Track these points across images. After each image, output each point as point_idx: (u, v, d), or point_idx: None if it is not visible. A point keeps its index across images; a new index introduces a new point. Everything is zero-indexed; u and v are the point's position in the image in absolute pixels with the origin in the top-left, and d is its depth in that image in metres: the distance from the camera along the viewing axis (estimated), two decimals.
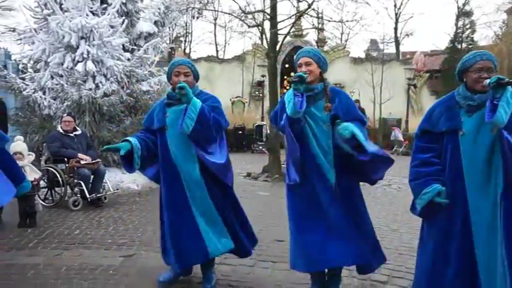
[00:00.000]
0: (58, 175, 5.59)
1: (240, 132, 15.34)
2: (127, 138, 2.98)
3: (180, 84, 2.73)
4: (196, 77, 3.01)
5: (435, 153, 2.36)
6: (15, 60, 8.55)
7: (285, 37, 9.51)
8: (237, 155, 13.86)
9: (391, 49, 32.40)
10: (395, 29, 30.86)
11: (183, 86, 2.71)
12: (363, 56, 29.45)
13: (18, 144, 4.73)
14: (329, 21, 23.88)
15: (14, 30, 7.51)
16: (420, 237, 2.47)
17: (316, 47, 25.73)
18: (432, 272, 2.31)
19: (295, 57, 2.79)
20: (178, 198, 2.88)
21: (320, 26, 26.22)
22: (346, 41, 32.75)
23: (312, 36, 28.73)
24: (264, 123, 15.38)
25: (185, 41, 32.37)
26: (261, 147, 14.66)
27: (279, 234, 4.17)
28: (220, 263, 3.47)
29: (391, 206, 6.16)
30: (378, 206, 5.97)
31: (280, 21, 9.20)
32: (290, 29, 9.74)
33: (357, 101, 11.60)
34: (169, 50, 9.90)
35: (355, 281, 3.19)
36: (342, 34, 32.84)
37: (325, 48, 26.30)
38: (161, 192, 3.03)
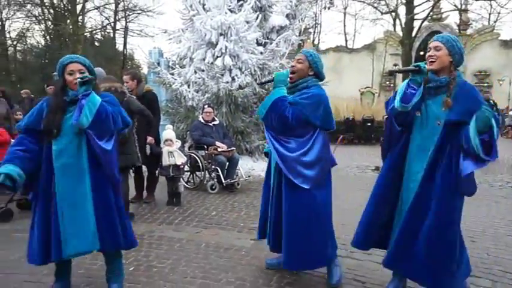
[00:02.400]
0: (199, 160, 6.20)
1: (369, 124, 14.80)
2: None
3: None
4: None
5: None
6: (166, 57, 9.68)
7: (423, 22, 8.83)
8: (364, 147, 13.44)
9: None
10: None
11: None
12: None
13: (168, 133, 5.36)
14: (476, 0, 21.26)
15: (165, 31, 8.50)
16: None
17: (457, 31, 23.23)
18: None
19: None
20: None
21: (463, 6, 23.52)
22: (495, 21, 28.70)
23: (452, 19, 25.96)
24: None
25: (314, 32, 32.39)
26: None
27: None
28: (346, 256, 3.46)
29: None
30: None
31: (417, 5, 8.57)
32: (429, 13, 8.98)
33: None
34: (300, 42, 10.01)
35: None
36: (489, 14, 28.90)
37: (469, 31, 23.54)
38: None
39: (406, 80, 2.46)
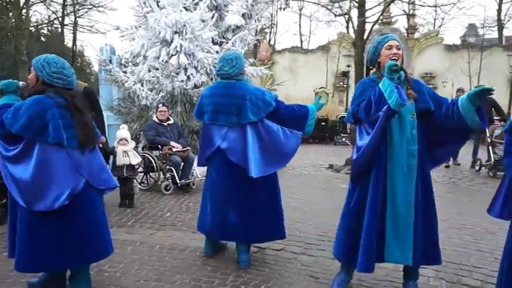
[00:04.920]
0: (153, 161, 6.06)
1: (323, 123, 15.17)
2: None
3: None
4: None
5: None
6: (118, 55, 9.37)
7: (374, 25, 9.14)
8: (319, 146, 13.76)
9: (492, 34, 29.36)
10: (499, 11, 27.80)
11: None
12: (458, 42, 27.15)
13: (123, 132, 5.20)
14: (422, 6, 22.30)
15: (118, 28, 8.24)
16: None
17: (406, 34, 24.31)
18: None
19: (379, 39, 2.68)
20: None
21: (411, 11, 24.65)
22: (439, 26, 30.33)
23: (401, 23, 27.15)
24: None
25: (270, 32, 32.67)
26: (344, 139, 14.38)
27: None
28: (301, 253, 3.53)
29: None
30: (474, 205, 5.52)
31: (368, 9, 8.87)
32: (379, 17, 9.32)
33: (461, 90, 10.15)
34: (256, 42, 10.06)
35: (443, 283, 3.03)
36: (435, 20, 30.48)
37: (416, 35, 24.74)
38: None
39: (386, 80, 2.45)
